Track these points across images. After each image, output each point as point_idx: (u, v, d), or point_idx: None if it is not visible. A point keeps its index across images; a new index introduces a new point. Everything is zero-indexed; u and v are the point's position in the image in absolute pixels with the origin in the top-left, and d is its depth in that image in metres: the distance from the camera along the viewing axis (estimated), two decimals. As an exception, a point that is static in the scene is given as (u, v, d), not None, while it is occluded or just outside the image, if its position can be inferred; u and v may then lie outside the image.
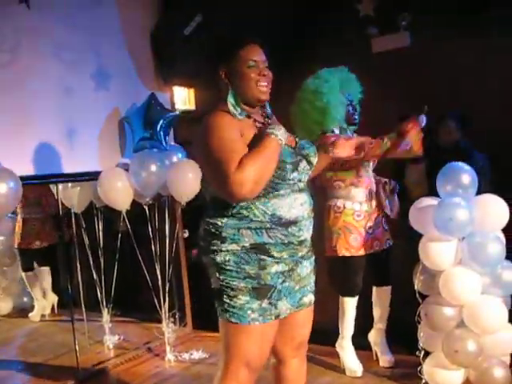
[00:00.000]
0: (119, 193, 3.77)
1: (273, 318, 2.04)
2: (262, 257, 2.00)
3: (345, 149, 2.42)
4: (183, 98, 4.34)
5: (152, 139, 3.81)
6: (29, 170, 3.37)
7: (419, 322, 2.99)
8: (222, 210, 2.01)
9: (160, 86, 4.28)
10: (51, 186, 4.25)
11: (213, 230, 2.04)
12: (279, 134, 1.97)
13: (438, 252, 2.85)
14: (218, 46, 2.24)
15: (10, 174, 2.97)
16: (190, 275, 4.55)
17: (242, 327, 2.01)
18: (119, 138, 3.98)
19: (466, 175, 2.84)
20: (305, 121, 3.29)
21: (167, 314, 4.08)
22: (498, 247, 2.78)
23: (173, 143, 4.24)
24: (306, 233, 2.11)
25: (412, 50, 3.97)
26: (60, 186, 3.85)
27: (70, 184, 3.98)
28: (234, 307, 2.01)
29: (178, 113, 4.01)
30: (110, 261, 4.28)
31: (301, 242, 2.08)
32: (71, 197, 4.07)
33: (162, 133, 3.83)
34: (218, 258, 2.02)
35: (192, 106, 4.38)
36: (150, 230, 3.96)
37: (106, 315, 4.32)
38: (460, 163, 2.88)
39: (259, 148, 1.93)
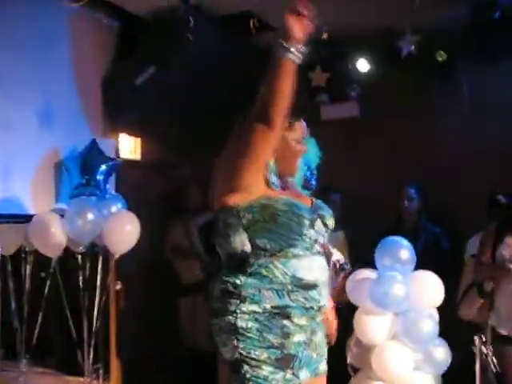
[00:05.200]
0: (51, 238, 3.60)
1: None
2: (284, 323, 1.91)
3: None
4: (129, 146, 4.25)
5: (89, 186, 3.69)
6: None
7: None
8: (239, 268, 1.93)
9: (106, 132, 4.18)
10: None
11: (231, 289, 1.93)
12: None
13: (372, 326, 2.83)
14: None
15: None
16: (119, 329, 4.34)
17: None
18: (55, 181, 3.84)
19: (405, 250, 2.86)
20: None
21: (90, 368, 3.86)
22: (431, 324, 2.79)
23: (113, 192, 4.11)
24: (324, 299, 2.04)
25: (362, 120, 4.04)
26: (-10, 226, 3.65)
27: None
28: (258, 378, 1.89)
29: (120, 161, 3.91)
30: (35, 308, 4.05)
31: (320, 308, 2.02)
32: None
33: (102, 180, 3.72)
34: (239, 323, 1.90)
35: (138, 156, 4.29)
36: (80, 279, 3.78)
37: (23, 366, 4.05)
38: (399, 238, 2.90)
39: None
